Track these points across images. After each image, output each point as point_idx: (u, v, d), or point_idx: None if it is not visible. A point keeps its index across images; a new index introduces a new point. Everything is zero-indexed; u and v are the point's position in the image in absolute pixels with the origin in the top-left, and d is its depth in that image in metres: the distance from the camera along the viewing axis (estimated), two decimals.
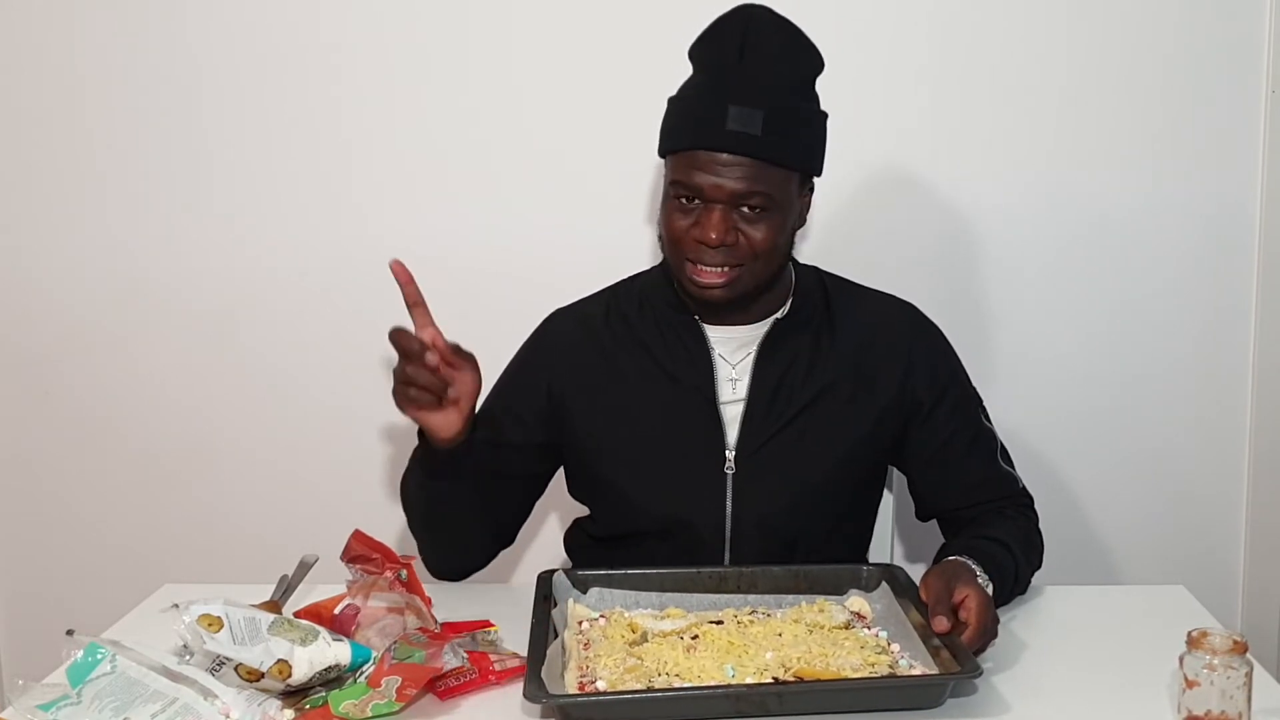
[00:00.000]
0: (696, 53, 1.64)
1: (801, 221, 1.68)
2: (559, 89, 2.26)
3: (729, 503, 1.70)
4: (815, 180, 1.68)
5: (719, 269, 1.61)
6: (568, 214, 2.29)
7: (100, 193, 2.35)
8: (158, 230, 2.35)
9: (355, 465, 2.40)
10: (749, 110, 1.55)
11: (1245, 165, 2.26)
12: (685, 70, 1.65)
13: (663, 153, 1.65)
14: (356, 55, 2.28)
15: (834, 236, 2.23)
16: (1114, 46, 2.23)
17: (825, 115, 1.65)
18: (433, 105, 2.28)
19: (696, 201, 1.59)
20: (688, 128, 1.60)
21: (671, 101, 1.65)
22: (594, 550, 1.81)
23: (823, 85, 1.65)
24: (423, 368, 1.52)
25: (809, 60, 1.63)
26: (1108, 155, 2.26)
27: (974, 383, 1.82)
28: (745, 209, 1.59)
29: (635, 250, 2.28)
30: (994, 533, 1.67)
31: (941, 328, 1.82)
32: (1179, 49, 2.23)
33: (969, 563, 1.57)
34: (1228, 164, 2.26)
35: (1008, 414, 2.20)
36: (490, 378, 1.82)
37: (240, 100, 2.30)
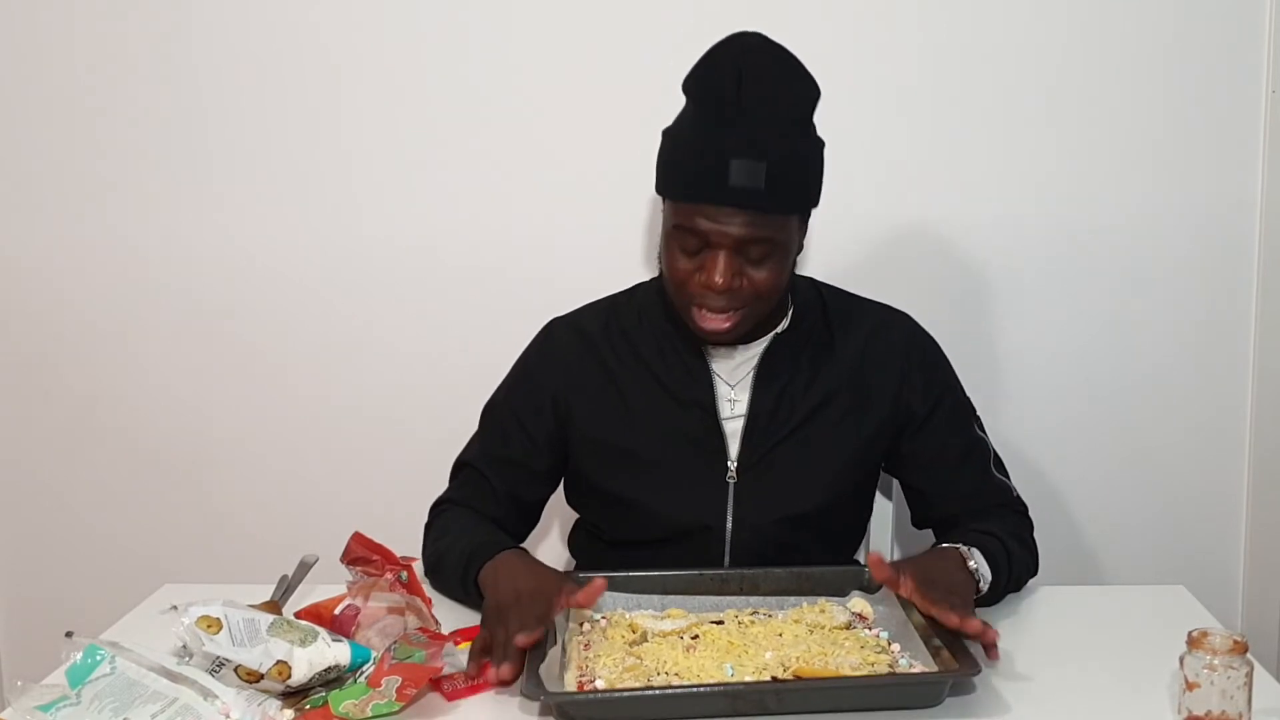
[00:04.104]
0: (691, 88, 1.61)
1: (800, 249, 1.67)
2: (560, 86, 2.26)
3: (730, 512, 1.71)
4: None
5: (724, 314, 1.61)
6: (569, 212, 2.29)
7: (101, 192, 2.35)
8: (158, 230, 2.35)
9: (356, 465, 2.40)
10: (751, 163, 1.52)
11: (1245, 165, 2.26)
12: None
13: (663, 194, 1.63)
14: (359, 54, 2.27)
15: (827, 243, 2.22)
16: (1113, 46, 2.23)
17: (822, 144, 1.63)
18: (434, 104, 2.28)
19: (698, 245, 1.59)
20: (688, 180, 1.57)
21: (668, 137, 1.63)
22: (597, 552, 1.82)
23: None
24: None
25: (806, 91, 1.60)
26: (1107, 155, 2.26)
27: (976, 385, 1.82)
28: (749, 253, 1.58)
29: (636, 250, 2.29)
30: (982, 527, 1.68)
31: (940, 331, 1.82)
32: (1179, 49, 2.22)
33: (944, 545, 1.60)
34: (1228, 164, 2.26)
35: (1010, 415, 2.22)
36: (489, 376, 1.83)
37: (242, 98, 2.30)
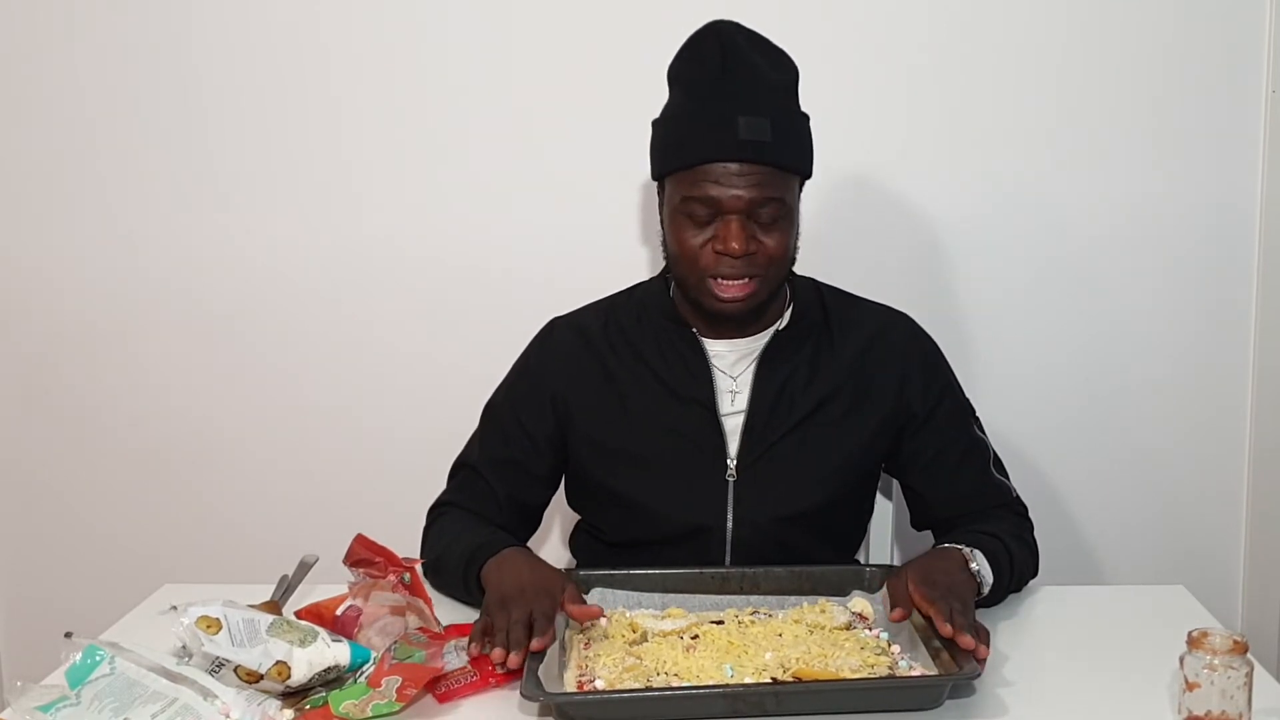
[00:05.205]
0: (678, 73, 1.64)
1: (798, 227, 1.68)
2: (559, 87, 2.26)
3: (730, 510, 1.71)
4: (805, 184, 1.69)
5: (740, 280, 1.62)
6: (569, 213, 2.29)
7: (101, 192, 2.35)
8: (158, 230, 2.35)
9: (356, 465, 2.40)
10: (757, 119, 1.56)
11: (1245, 165, 2.26)
12: None
13: (666, 172, 1.64)
14: (359, 56, 2.28)
15: (825, 244, 2.21)
16: (1113, 46, 2.23)
17: (808, 118, 1.66)
18: (434, 106, 2.28)
19: (712, 215, 1.60)
20: (697, 142, 1.59)
21: (660, 124, 1.65)
22: (598, 553, 1.82)
23: (809, 90, 1.66)
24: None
25: (787, 66, 1.64)
26: (1107, 155, 2.26)
27: (975, 385, 1.82)
28: (760, 217, 1.59)
29: (636, 250, 2.29)
30: (984, 528, 1.68)
31: (939, 331, 1.82)
32: (1179, 49, 2.23)
33: (946, 545, 1.60)
34: (1228, 164, 2.26)
35: (1010, 416, 2.21)
36: (490, 376, 1.83)
37: (242, 100, 2.30)
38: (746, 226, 1.59)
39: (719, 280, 1.62)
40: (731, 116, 1.56)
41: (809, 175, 1.68)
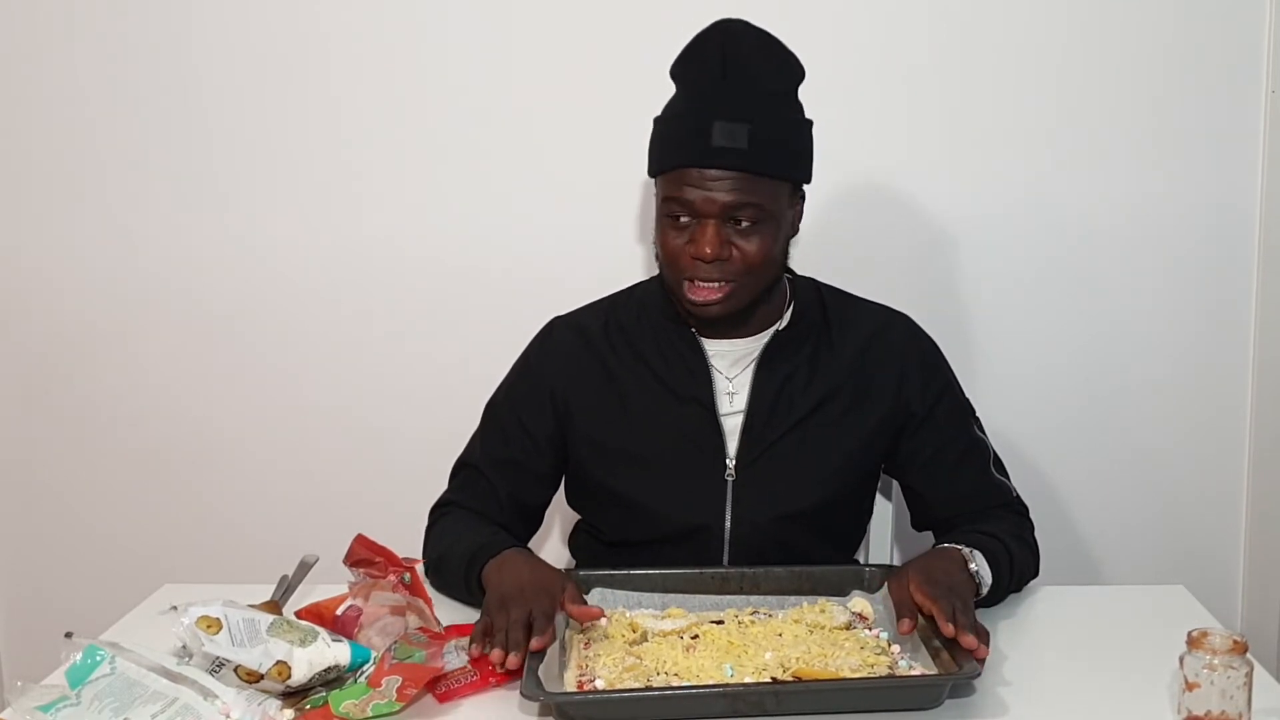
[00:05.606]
0: (678, 72, 1.65)
1: (794, 230, 1.69)
2: (561, 91, 2.26)
3: (729, 510, 1.71)
4: (806, 188, 1.69)
5: (715, 284, 1.62)
6: (570, 213, 2.29)
7: (101, 192, 2.35)
8: (159, 230, 2.35)
9: (356, 465, 2.40)
10: (734, 125, 1.56)
11: (1245, 165, 2.26)
12: None
13: (653, 173, 1.66)
14: (359, 56, 2.28)
15: (825, 244, 2.21)
16: (1113, 46, 2.23)
17: (810, 123, 1.66)
18: (435, 106, 2.28)
19: (689, 218, 1.60)
20: (675, 147, 1.60)
21: (657, 122, 1.66)
22: (597, 553, 1.82)
23: (809, 90, 1.65)
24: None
25: (789, 70, 1.64)
26: (1107, 155, 2.26)
27: (975, 385, 1.82)
28: (737, 222, 1.60)
29: (636, 250, 2.29)
30: (983, 528, 1.68)
31: (939, 331, 1.82)
32: (1179, 49, 2.23)
33: (946, 545, 1.60)
34: (1228, 164, 2.26)
35: (1010, 415, 2.21)
36: (490, 376, 1.83)
37: (243, 100, 2.30)
38: (721, 231, 1.59)
39: (694, 283, 1.63)
40: (709, 122, 1.56)
41: (804, 180, 1.67)
